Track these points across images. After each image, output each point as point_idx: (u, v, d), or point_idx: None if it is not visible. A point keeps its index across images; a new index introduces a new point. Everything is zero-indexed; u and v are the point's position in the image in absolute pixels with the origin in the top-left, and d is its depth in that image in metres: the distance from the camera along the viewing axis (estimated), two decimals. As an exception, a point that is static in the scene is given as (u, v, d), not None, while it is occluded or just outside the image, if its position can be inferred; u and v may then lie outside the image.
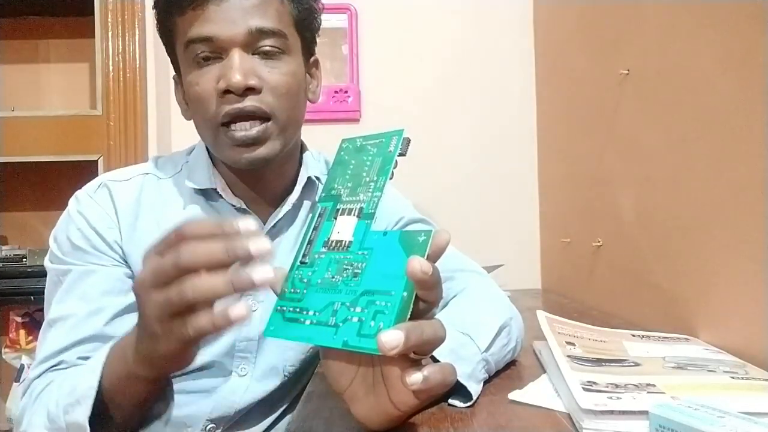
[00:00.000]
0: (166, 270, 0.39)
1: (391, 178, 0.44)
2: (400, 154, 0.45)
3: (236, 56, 0.63)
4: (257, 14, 0.64)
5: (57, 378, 0.59)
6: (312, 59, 0.75)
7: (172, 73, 0.75)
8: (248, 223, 0.39)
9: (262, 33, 0.64)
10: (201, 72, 0.65)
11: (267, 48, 0.65)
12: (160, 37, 0.71)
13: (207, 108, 0.65)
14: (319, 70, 0.78)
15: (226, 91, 0.63)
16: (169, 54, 0.72)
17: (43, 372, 0.62)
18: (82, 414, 0.49)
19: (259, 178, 0.72)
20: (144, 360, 0.46)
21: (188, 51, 0.65)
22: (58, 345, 0.63)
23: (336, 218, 0.44)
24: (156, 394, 0.53)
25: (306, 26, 0.71)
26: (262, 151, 0.66)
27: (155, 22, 0.70)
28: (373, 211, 0.43)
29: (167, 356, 0.43)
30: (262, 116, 0.65)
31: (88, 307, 0.64)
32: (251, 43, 0.64)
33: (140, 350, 0.45)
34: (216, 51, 0.64)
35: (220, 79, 0.64)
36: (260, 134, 0.65)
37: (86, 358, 0.62)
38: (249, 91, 0.64)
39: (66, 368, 0.61)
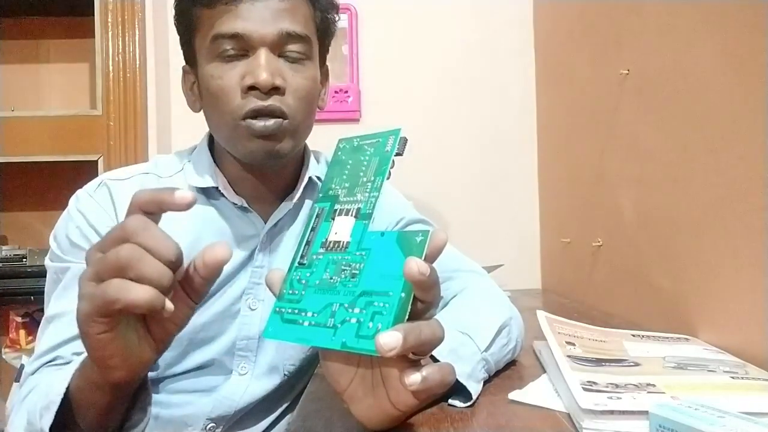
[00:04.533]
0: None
1: (388, 178, 0.44)
2: (397, 154, 0.45)
3: (264, 55, 0.64)
4: (287, 17, 0.65)
5: (45, 378, 0.59)
6: (324, 66, 0.76)
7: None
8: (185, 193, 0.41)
9: (290, 36, 0.65)
10: (225, 67, 0.65)
11: (293, 51, 0.66)
12: (177, 26, 0.71)
13: (229, 102, 0.65)
14: (328, 78, 0.79)
15: (251, 88, 0.64)
16: (183, 44, 0.72)
17: (39, 367, 0.62)
18: (47, 421, 0.49)
19: (263, 176, 0.72)
20: (91, 363, 0.45)
21: (214, 44, 0.65)
22: (55, 340, 0.63)
23: (334, 219, 0.44)
24: (119, 403, 0.50)
25: (326, 34, 0.73)
26: (276, 146, 0.66)
27: (174, 11, 0.70)
28: (370, 211, 0.43)
29: (92, 357, 0.43)
30: (280, 115, 0.65)
31: None
32: (279, 45, 0.65)
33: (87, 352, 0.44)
34: (243, 48, 0.65)
35: (246, 75, 0.64)
36: (277, 128, 0.65)
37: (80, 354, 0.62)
38: (273, 90, 0.64)
39: (60, 364, 0.61)
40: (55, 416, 0.49)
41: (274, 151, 0.66)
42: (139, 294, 0.37)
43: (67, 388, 0.50)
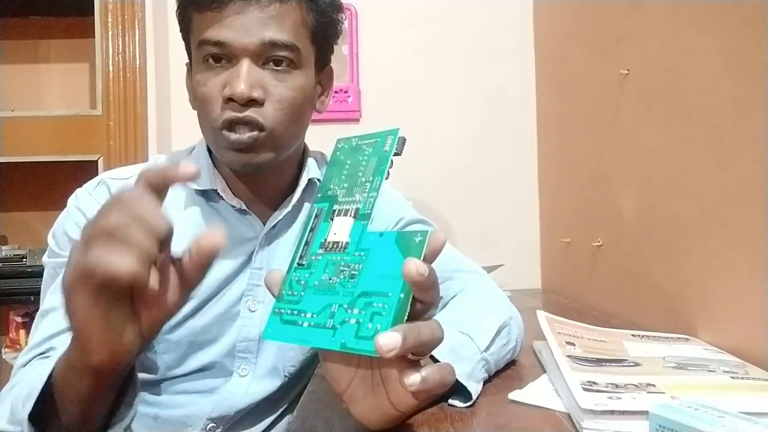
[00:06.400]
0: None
1: (387, 178, 0.44)
2: (396, 154, 0.44)
3: (245, 66, 0.63)
4: (273, 26, 0.64)
5: (33, 369, 0.57)
6: (326, 69, 0.75)
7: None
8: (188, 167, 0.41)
9: (275, 46, 0.64)
10: (209, 74, 0.65)
11: (277, 60, 0.65)
12: (179, 23, 0.71)
13: (210, 110, 0.65)
14: (332, 79, 0.77)
15: (230, 99, 0.63)
16: (184, 40, 0.72)
17: (31, 359, 0.61)
18: (27, 410, 0.47)
19: (259, 180, 0.72)
20: (74, 344, 0.42)
21: (200, 50, 0.66)
22: (48, 333, 0.62)
23: (332, 219, 0.44)
24: (101, 394, 0.46)
25: (324, 37, 0.71)
26: (253, 158, 0.66)
27: (176, 8, 0.70)
28: (369, 211, 0.43)
29: (74, 335, 0.41)
30: (257, 126, 0.65)
31: None
32: (262, 54, 0.64)
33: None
34: (227, 56, 0.64)
35: (226, 85, 0.64)
36: (252, 142, 0.65)
37: None
38: (251, 102, 0.64)
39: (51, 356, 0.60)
40: (38, 407, 0.47)
41: (251, 164, 0.66)
42: (121, 262, 0.36)
43: (50, 376, 0.47)
